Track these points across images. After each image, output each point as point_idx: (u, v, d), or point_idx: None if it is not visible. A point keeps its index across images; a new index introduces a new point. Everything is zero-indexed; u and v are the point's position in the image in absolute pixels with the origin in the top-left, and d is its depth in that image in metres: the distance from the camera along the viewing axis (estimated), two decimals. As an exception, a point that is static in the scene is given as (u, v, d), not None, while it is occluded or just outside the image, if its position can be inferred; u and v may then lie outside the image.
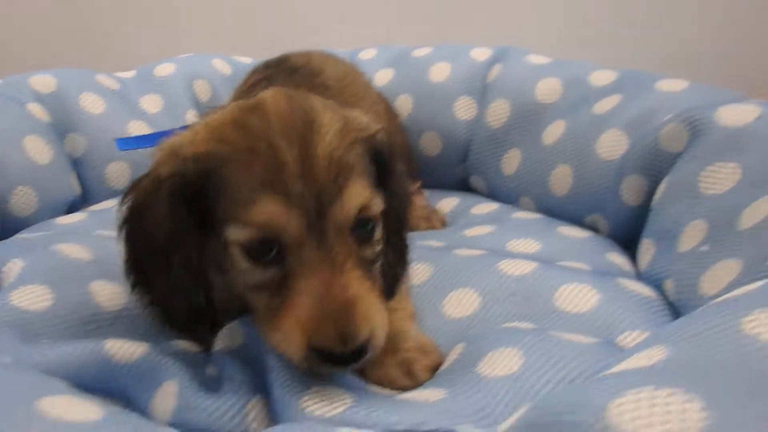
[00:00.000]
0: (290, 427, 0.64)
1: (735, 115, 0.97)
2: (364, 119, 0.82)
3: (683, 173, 1.00)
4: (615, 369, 0.49)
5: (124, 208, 0.77)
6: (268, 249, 0.70)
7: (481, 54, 1.59)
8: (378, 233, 0.79)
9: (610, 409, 0.40)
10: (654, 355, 0.46)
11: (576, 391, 0.46)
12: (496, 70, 1.52)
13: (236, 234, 0.70)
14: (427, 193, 1.51)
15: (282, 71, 1.19)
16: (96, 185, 1.46)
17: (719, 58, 2.36)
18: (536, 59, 1.50)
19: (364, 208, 0.73)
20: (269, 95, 0.77)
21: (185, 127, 0.82)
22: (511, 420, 0.52)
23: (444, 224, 1.40)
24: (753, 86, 1.75)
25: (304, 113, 0.74)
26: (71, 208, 1.39)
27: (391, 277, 0.85)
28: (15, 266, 0.91)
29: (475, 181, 1.56)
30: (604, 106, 1.27)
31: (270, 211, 0.68)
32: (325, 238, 0.69)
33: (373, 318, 0.69)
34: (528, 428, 0.47)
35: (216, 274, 0.77)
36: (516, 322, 0.88)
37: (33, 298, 0.84)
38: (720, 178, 0.92)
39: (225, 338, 0.83)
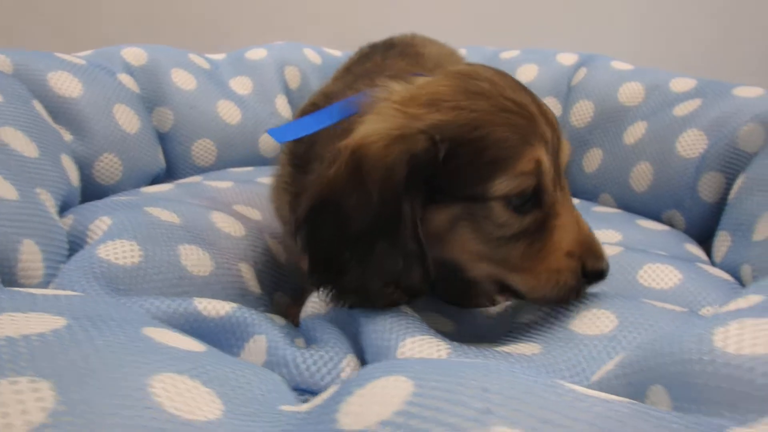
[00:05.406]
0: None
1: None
2: None
3: (760, 170, 1.04)
4: (710, 314, 0.54)
5: (306, 206, 0.74)
6: (525, 197, 0.73)
7: (567, 59, 1.64)
8: None
9: (716, 335, 0.44)
10: (750, 301, 0.51)
11: (675, 331, 0.49)
12: (582, 73, 1.57)
13: (504, 187, 0.71)
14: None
15: (381, 46, 1.21)
16: (181, 161, 1.44)
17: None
18: (620, 65, 1.54)
19: None
20: (467, 67, 0.79)
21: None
22: (606, 367, 0.55)
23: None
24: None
25: (512, 78, 0.78)
26: (154, 181, 1.36)
27: None
28: (102, 224, 0.90)
29: (555, 177, 1.60)
30: (684, 108, 1.30)
31: (538, 159, 0.71)
32: (560, 180, 0.75)
33: None
34: (628, 367, 0.51)
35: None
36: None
37: (122, 252, 0.82)
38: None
39: (312, 306, 0.83)
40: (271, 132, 0.83)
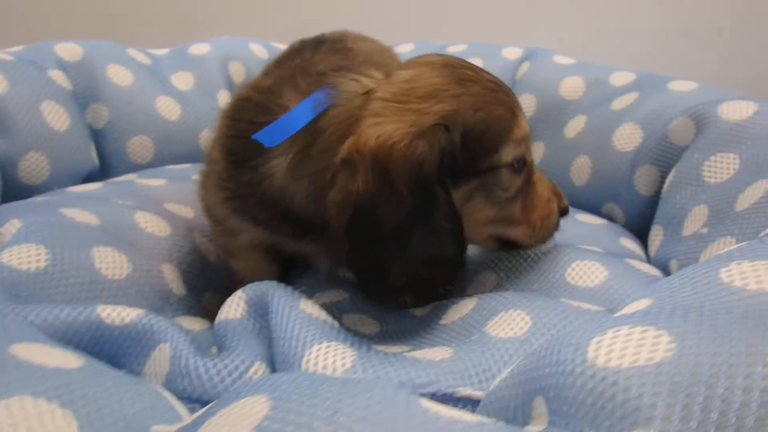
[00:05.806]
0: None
1: (735, 110, 1.02)
2: None
3: (689, 163, 1.03)
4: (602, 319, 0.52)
5: (341, 223, 0.75)
6: (522, 160, 0.83)
7: (512, 53, 1.63)
8: None
9: (591, 344, 0.42)
10: (639, 305, 0.49)
11: (561, 337, 0.48)
12: (525, 67, 1.56)
13: (509, 155, 0.80)
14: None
15: (311, 42, 1.19)
16: (116, 158, 1.39)
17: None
18: (562, 60, 1.53)
19: None
20: (440, 57, 0.84)
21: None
22: (503, 374, 0.53)
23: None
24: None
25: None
26: (87, 180, 1.30)
27: None
28: (12, 227, 0.84)
29: (499, 171, 1.59)
30: (622, 102, 1.29)
31: (525, 125, 0.83)
32: None
33: None
34: (518, 376, 0.49)
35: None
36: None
37: (26, 257, 0.77)
38: (721, 167, 0.96)
39: (226, 310, 0.80)
40: (257, 136, 0.82)
